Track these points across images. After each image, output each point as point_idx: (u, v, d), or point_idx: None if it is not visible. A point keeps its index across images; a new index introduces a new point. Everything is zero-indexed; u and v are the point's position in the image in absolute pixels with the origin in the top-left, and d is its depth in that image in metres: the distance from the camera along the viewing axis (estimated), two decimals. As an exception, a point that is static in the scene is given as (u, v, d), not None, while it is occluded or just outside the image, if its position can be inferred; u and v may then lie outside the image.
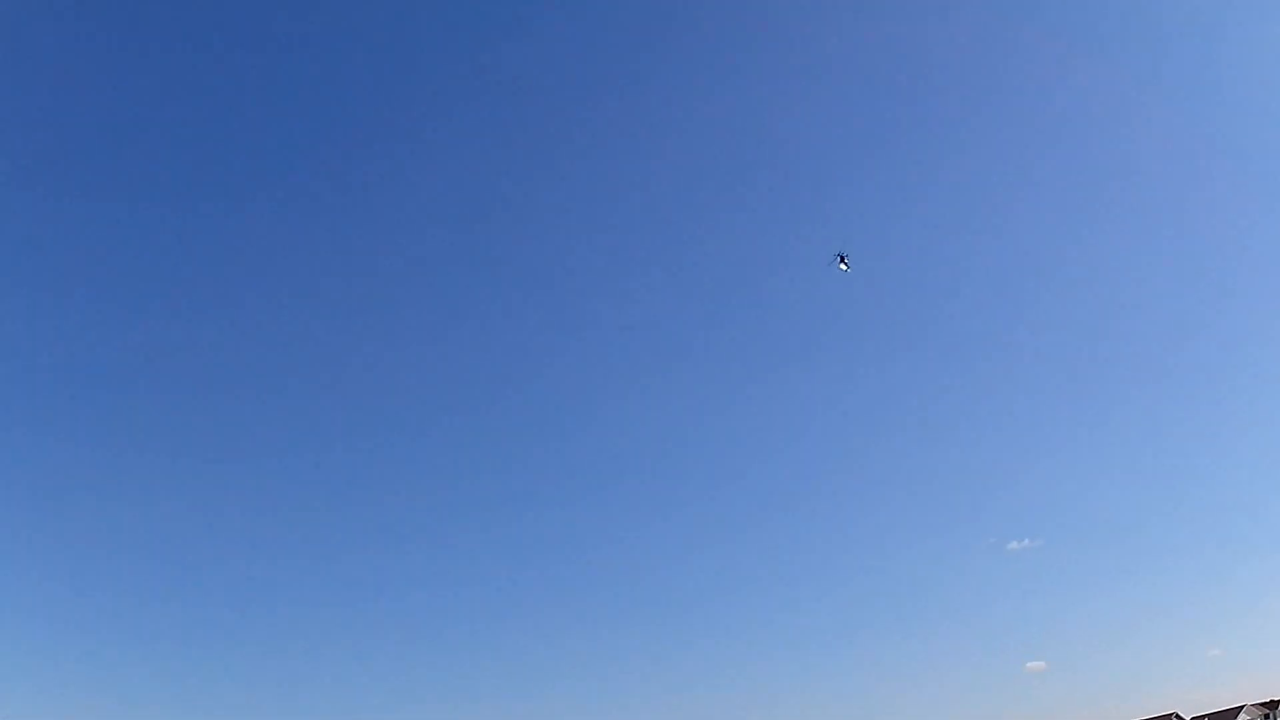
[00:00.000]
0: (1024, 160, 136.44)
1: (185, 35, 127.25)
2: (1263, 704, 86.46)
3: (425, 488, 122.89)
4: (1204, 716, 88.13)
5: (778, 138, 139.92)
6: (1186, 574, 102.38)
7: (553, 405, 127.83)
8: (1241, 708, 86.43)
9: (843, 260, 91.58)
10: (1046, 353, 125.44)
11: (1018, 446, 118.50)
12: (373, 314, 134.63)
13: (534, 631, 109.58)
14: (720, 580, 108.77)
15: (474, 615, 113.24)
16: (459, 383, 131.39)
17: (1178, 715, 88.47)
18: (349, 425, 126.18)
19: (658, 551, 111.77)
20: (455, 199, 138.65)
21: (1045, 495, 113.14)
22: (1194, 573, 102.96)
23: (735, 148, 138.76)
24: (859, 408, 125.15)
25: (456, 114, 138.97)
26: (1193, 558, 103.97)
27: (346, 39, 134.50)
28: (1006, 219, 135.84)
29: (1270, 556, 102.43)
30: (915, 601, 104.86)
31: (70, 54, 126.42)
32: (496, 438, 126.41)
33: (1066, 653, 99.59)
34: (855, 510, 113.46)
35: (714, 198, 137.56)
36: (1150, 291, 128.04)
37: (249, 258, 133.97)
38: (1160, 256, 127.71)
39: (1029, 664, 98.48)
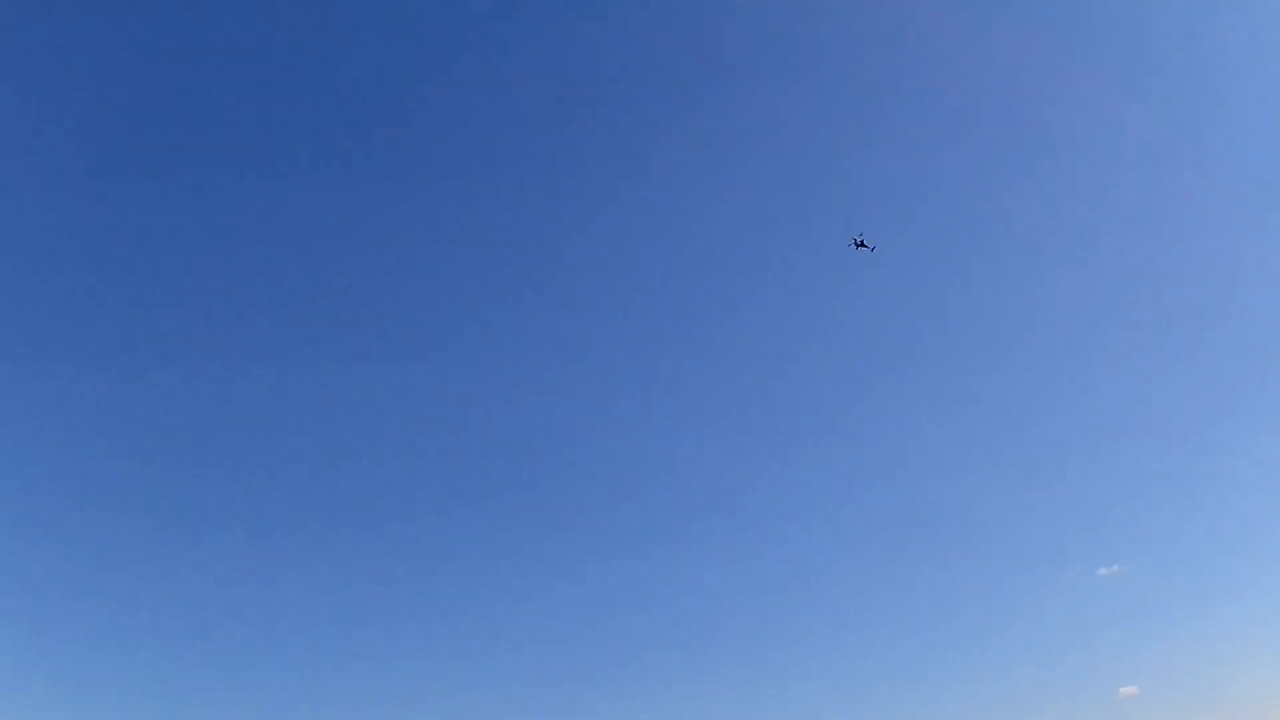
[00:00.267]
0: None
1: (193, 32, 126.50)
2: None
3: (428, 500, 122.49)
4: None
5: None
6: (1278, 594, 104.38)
7: (572, 413, 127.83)
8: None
9: (861, 242, 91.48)
10: (1135, 377, 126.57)
11: (1105, 472, 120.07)
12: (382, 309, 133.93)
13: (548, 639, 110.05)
14: (798, 623, 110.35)
15: (473, 615, 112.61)
16: (460, 387, 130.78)
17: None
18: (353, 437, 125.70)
19: (717, 594, 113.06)
20: (447, 200, 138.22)
21: (1134, 521, 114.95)
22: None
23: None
24: (942, 435, 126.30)
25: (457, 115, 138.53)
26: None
27: (349, 39, 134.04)
28: (1096, 242, 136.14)
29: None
30: (1005, 632, 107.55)
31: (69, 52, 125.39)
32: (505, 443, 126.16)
33: (1159, 677, 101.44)
34: (942, 543, 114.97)
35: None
36: (1249, 310, 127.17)
37: (248, 257, 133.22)
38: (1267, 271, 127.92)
39: (1122, 689, 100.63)
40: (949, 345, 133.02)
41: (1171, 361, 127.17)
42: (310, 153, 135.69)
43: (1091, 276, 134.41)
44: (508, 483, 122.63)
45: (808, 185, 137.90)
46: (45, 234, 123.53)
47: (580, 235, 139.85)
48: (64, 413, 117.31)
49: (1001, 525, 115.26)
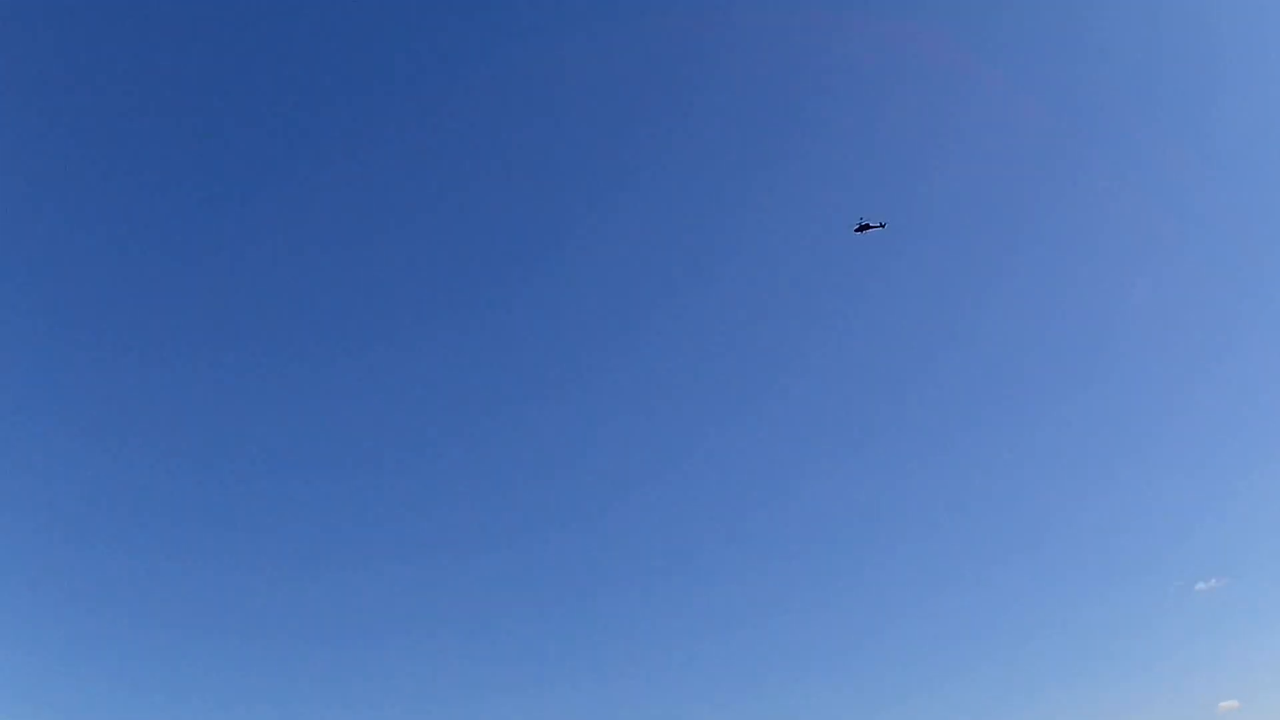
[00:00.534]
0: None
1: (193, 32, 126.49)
2: None
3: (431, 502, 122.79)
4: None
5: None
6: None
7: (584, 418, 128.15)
8: None
9: (867, 225, 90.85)
10: (1234, 388, 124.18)
11: (1203, 486, 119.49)
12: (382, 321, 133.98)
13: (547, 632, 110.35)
14: (889, 639, 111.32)
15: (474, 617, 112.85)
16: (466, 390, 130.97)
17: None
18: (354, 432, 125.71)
19: (790, 616, 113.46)
20: (449, 196, 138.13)
21: (1233, 534, 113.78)
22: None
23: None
24: (1036, 449, 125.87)
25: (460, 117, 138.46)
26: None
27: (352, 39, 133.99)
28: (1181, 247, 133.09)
29: None
30: (1106, 646, 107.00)
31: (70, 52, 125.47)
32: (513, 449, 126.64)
33: (1260, 691, 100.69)
34: (1041, 558, 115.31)
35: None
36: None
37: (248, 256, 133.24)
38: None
39: (1222, 704, 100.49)
40: (1044, 353, 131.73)
41: (1273, 371, 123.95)
42: (311, 153, 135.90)
43: (1193, 279, 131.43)
44: (507, 482, 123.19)
45: (807, 180, 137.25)
46: (47, 233, 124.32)
47: (579, 234, 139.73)
48: (64, 412, 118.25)
49: (1100, 540, 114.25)
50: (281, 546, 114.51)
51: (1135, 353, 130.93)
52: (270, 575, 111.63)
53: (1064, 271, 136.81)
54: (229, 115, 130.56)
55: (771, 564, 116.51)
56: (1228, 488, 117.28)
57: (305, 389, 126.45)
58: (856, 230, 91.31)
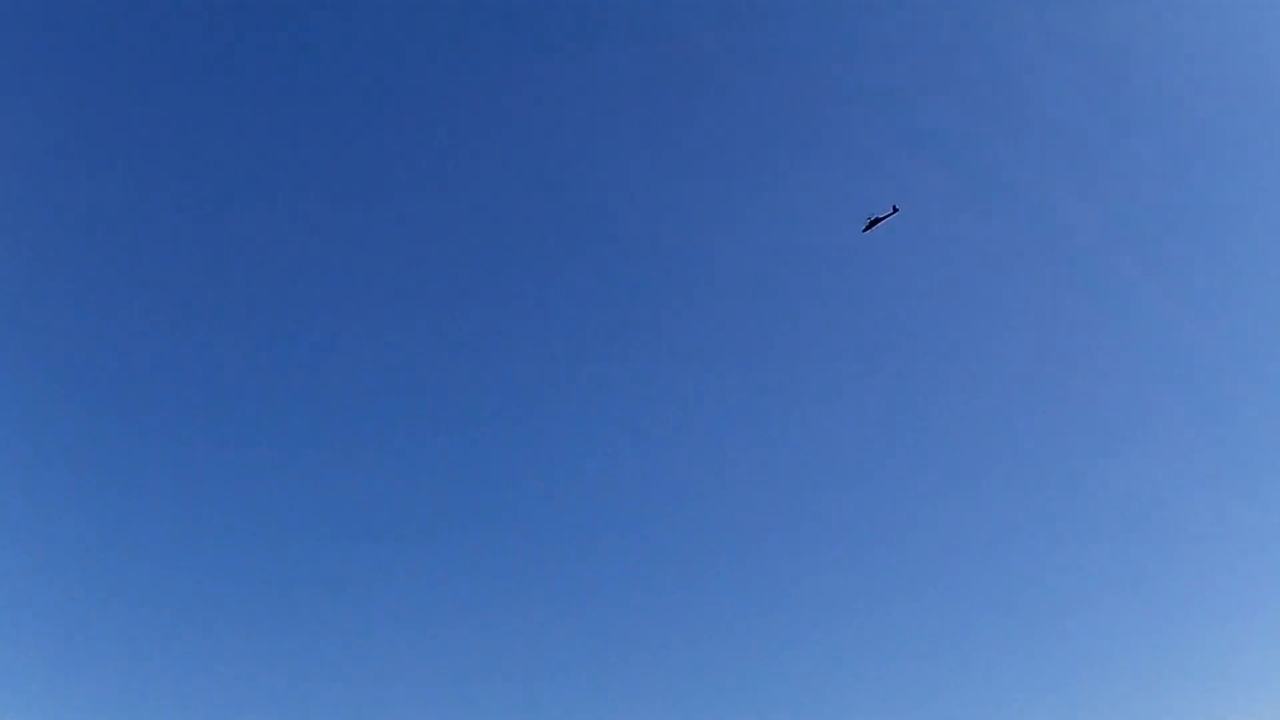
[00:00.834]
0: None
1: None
2: None
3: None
4: None
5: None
6: None
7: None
8: None
9: (875, 221, 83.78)
10: None
11: None
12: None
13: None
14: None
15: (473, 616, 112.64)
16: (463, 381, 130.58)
17: None
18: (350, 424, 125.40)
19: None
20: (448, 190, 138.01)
21: None
22: None
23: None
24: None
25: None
26: None
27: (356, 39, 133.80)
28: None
29: None
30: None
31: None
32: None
33: None
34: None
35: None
36: None
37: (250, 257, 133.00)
38: None
39: None
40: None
41: None
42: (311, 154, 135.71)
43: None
44: (505, 482, 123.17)
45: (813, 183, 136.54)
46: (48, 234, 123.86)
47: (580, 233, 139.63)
48: (63, 410, 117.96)
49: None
50: (278, 542, 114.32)
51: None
52: (268, 570, 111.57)
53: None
54: (229, 110, 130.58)
55: (777, 563, 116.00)
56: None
57: (301, 385, 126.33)
58: (866, 229, 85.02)
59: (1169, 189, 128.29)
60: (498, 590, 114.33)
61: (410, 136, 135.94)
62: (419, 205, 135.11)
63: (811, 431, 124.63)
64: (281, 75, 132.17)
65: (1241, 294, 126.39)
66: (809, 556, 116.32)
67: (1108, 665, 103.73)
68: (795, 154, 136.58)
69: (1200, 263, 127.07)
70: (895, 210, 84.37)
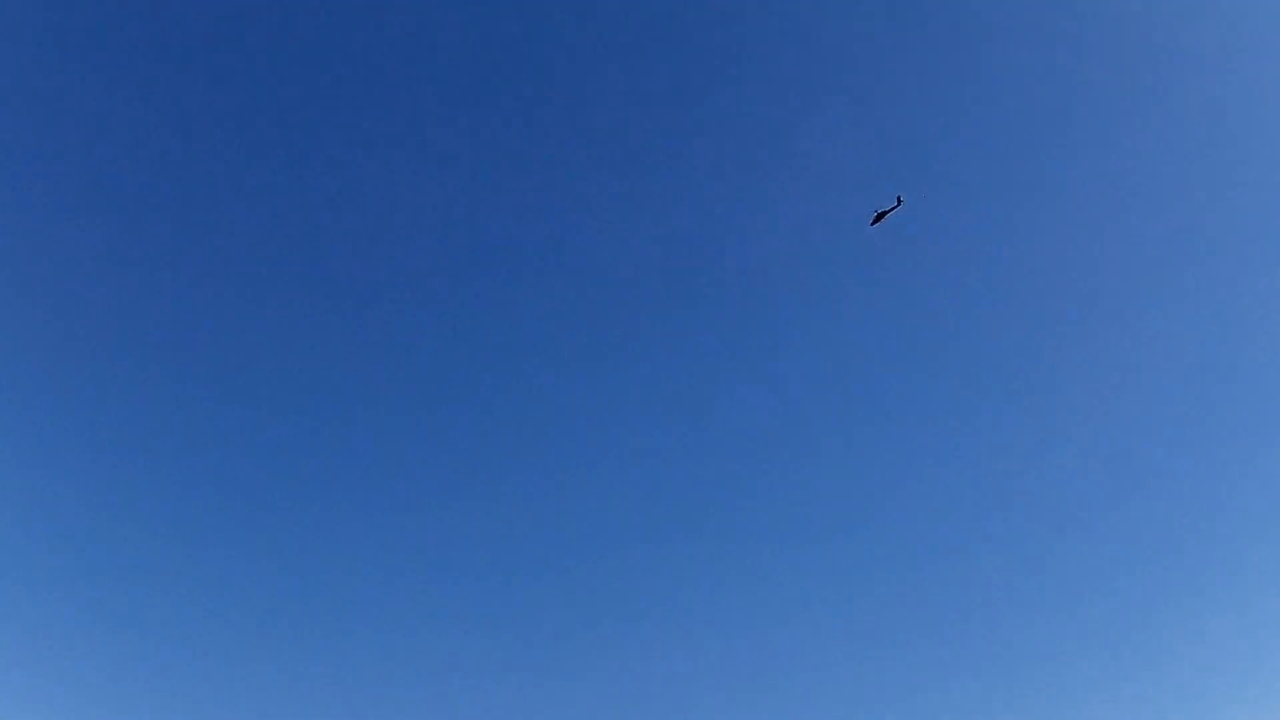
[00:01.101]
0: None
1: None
2: None
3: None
4: None
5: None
6: None
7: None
8: None
9: (882, 214, 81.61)
10: None
11: None
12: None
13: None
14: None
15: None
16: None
17: None
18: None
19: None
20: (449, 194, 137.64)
21: None
22: None
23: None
24: None
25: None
26: None
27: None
28: None
29: None
30: None
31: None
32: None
33: None
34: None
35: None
36: None
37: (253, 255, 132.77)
38: None
39: None
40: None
41: None
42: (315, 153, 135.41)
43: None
44: (503, 478, 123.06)
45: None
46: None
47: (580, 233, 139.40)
48: (63, 411, 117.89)
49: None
50: (278, 541, 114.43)
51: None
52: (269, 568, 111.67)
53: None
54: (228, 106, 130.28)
55: (781, 562, 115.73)
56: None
57: (302, 386, 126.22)
58: (874, 223, 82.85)
59: (1182, 186, 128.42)
60: (498, 590, 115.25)
61: (411, 136, 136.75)
62: (419, 205, 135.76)
63: (817, 430, 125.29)
64: (283, 75, 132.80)
65: (1243, 292, 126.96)
66: (814, 557, 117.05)
67: (1107, 665, 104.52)
68: (799, 151, 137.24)
69: (1206, 262, 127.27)
70: (900, 202, 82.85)
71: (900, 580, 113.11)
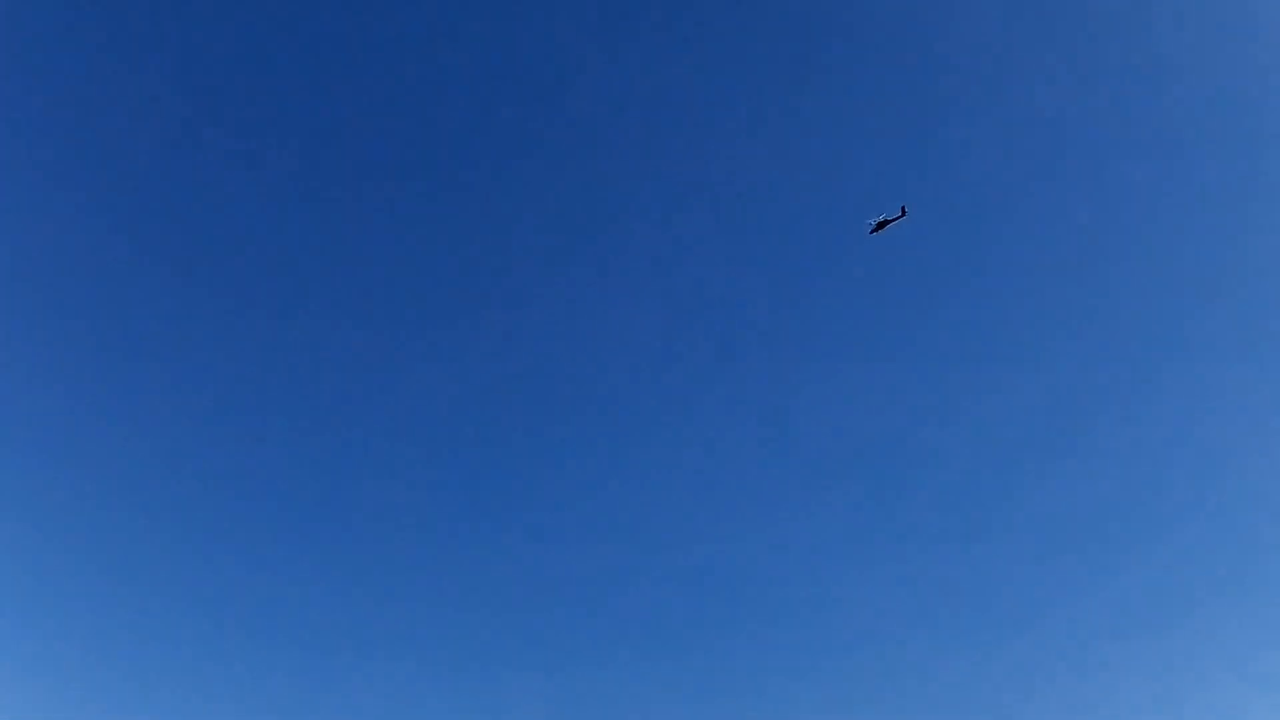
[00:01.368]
0: None
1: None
2: None
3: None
4: None
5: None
6: None
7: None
8: None
9: (884, 223, 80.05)
10: None
11: None
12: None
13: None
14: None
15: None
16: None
17: None
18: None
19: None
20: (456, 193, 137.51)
21: None
22: None
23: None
24: None
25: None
26: None
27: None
28: None
29: None
30: None
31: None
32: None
33: None
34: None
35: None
36: None
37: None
38: None
39: None
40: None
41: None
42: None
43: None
44: (504, 479, 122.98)
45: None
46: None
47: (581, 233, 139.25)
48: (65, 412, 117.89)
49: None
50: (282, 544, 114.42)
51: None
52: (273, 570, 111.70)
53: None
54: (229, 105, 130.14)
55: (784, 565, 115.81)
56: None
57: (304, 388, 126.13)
58: (873, 231, 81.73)
59: (1183, 189, 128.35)
60: (497, 590, 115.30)
61: (410, 136, 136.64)
62: (417, 206, 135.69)
63: (818, 432, 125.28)
64: (283, 75, 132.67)
65: (1243, 292, 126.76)
66: (818, 559, 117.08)
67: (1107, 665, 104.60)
68: (803, 153, 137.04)
69: (1210, 262, 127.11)
70: (904, 213, 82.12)
71: (901, 580, 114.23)
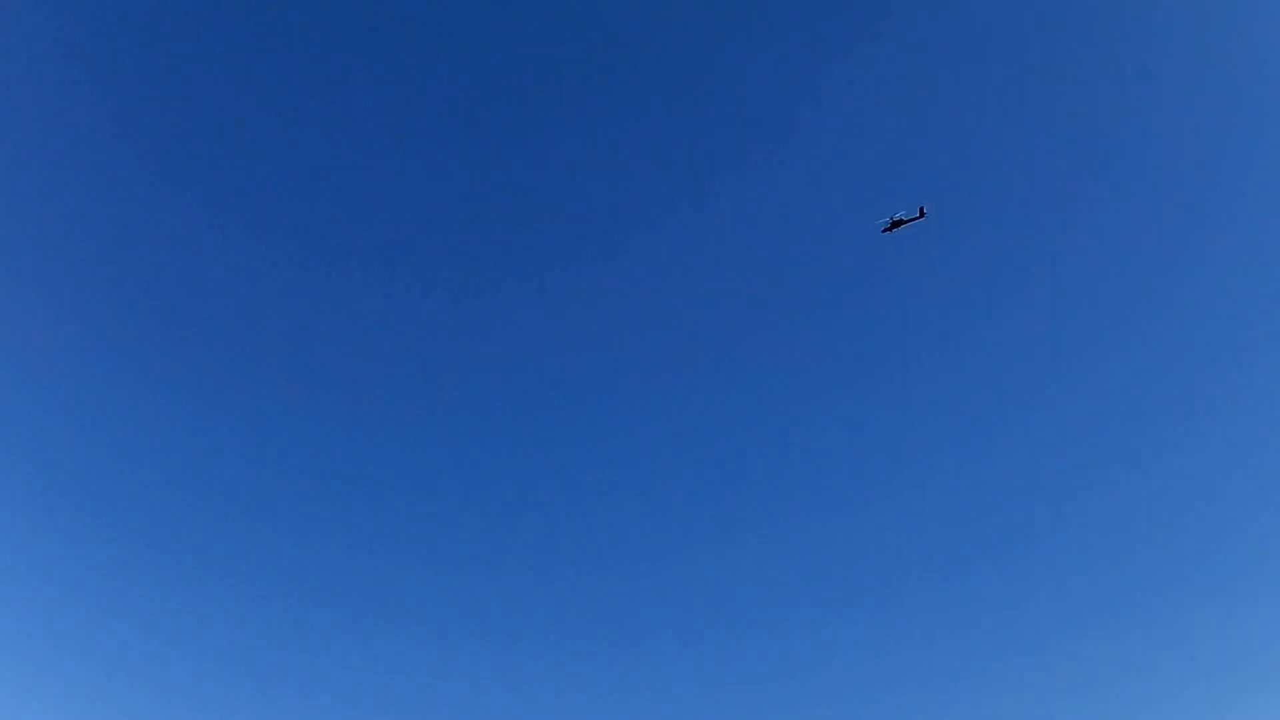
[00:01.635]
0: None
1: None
2: None
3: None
4: None
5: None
6: None
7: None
8: None
9: (899, 223, 76.65)
10: None
11: None
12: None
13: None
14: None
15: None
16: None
17: None
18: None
19: None
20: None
21: None
22: None
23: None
24: None
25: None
26: None
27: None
28: None
29: None
30: None
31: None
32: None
33: None
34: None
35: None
36: None
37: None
38: None
39: None
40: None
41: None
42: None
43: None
44: (507, 480, 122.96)
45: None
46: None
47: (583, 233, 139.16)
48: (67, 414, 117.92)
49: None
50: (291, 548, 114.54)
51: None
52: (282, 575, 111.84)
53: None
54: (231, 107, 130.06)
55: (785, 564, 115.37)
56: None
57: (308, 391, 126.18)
58: (886, 230, 78.55)
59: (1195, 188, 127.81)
60: (498, 590, 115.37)
61: (410, 136, 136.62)
62: (417, 206, 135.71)
63: (821, 432, 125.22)
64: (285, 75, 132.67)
65: (1246, 290, 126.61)
66: (821, 561, 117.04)
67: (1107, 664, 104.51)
68: (809, 152, 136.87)
69: (1218, 264, 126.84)
70: (922, 214, 79.50)
71: (899, 581, 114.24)
